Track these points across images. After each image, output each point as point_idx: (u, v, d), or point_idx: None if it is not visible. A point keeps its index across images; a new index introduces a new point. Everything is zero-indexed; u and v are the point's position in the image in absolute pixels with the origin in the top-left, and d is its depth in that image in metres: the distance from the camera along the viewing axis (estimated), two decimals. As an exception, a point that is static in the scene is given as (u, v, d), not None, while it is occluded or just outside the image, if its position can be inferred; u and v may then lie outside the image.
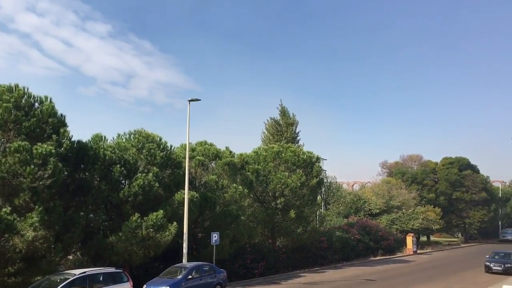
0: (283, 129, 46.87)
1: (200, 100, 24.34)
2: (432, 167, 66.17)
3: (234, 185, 27.55)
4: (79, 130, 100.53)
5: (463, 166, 64.13)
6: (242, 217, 27.81)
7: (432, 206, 56.37)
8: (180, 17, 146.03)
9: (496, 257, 32.40)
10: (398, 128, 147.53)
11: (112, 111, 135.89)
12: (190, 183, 24.65)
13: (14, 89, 18.83)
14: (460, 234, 69.79)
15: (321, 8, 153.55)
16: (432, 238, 62.52)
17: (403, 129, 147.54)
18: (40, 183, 17.66)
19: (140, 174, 22.22)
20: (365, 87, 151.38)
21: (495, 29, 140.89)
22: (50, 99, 19.95)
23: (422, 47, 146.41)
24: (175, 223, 22.42)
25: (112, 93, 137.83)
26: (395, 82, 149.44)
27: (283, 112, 47.71)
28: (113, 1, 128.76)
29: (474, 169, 65.57)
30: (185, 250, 23.34)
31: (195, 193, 24.49)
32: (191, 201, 23.60)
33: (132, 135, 24.13)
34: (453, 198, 62.68)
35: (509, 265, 30.89)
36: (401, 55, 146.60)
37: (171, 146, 25.23)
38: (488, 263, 31.65)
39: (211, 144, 29.71)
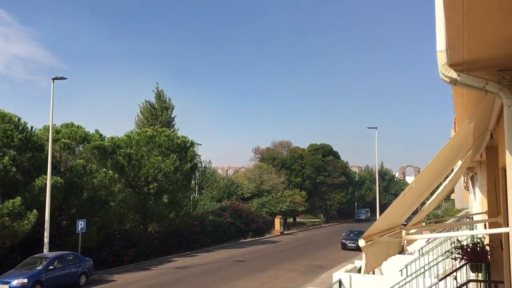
0: (158, 113, 45.92)
1: (66, 78, 22.74)
2: (300, 153, 70.76)
3: (104, 169, 26.38)
4: None
5: (326, 152, 69.79)
6: (112, 203, 26.87)
7: (298, 189, 60.46)
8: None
9: (351, 235, 35.90)
10: (271, 115, 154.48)
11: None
12: (54, 167, 22.97)
13: None
14: (322, 215, 75.86)
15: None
16: (297, 219, 67.03)
17: (275, 116, 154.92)
18: None
19: (-7, 157, 20.07)
20: (240, 73, 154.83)
21: (347, 21, 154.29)
22: None
23: (288, 37, 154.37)
24: (35, 211, 20.79)
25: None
26: (268, 70, 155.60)
27: (159, 96, 46.68)
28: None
29: (336, 155, 71.87)
30: (46, 239, 21.77)
31: (59, 178, 22.90)
32: (54, 186, 22.03)
33: (-16, 114, 21.62)
34: (317, 182, 67.92)
35: (361, 241, 34.58)
36: (271, 44, 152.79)
37: (31, 128, 23.24)
38: (344, 241, 35.02)
39: (78, 127, 27.88)
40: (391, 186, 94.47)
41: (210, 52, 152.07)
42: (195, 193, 43.80)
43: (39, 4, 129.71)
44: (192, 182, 40.33)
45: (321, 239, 43.91)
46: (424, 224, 10.07)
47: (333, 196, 68.82)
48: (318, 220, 73.69)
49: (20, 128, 22.23)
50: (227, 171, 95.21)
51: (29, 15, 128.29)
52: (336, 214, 73.99)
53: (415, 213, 10.55)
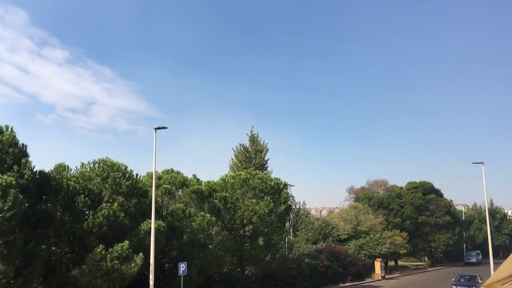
0: (252, 155, 46.84)
1: (166, 128, 24.21)
2: (397, 192, 67.46)
3: (202, 213, 27.26)
4: (37, 158, 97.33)
5: (427, 190, 65.72)
6: (210, 246, 27.45)
7: (398, 230, 57.27)
8: (139, 44, 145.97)
9: (462, 280, 32.99)
10: (364, 153, 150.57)
11: (72, 139, 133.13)
12: (156, 212, 24.25)
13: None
14: (426, 258, 70.84)
15: (279, 29, 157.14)
16: (399, 262, 63.23)
17: (369, 154, 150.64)
18: (0, 215, 17.05)
19: (105, 204, 21.74)
20: (330, 113, 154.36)
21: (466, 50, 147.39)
22: (11, 128, 19.47)
23: (375, 71, 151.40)
24: (141, 254, 21.91)
25: (71, 120, 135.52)
26: (360, 108, 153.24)
27: (253, 139, 47.65)
28: (71, 27, 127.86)
29: (438, 193, 67.33)
30: (151, 282, 22.76)
31: (161, 222, 24.09)
32: (158, 230, 23.18)
33: (96, 164, 23.66)
34: (418, 222, 63.88)
35: (474, 287, 31.49)
36: (358, 80, 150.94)
37: (137, 175, 24.87)
38: (454, 286, 32.18)
39: (178, 172, 29.44)
40: (504, 226, 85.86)
41: (298, 91, 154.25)
42: (290, 235, 43.44)
43: (137, 59, 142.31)
44: (287, 224, 40.12)
45: (428, 285, 40.74)
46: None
47: (438, 237, 64.07)
48: (422, 263, 68.85)
49: (127, 175, 23.91)
50: (321, 211, 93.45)
51: (129, 69, 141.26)
52: (442, 257, 68.67)
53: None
